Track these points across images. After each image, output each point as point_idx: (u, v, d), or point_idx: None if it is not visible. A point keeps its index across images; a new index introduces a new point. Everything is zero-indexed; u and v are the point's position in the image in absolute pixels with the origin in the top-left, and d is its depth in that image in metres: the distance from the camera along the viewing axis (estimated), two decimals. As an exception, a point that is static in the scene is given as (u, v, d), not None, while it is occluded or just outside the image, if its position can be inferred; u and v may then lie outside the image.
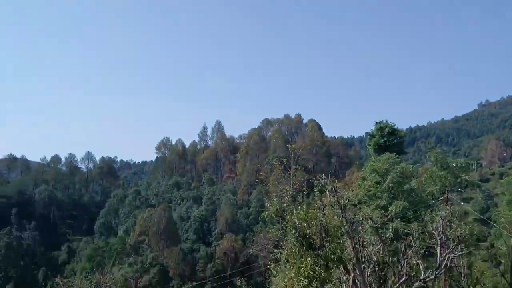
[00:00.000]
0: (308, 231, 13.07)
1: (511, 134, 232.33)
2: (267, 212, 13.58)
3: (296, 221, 13.03)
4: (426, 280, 15.12)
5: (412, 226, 18.75)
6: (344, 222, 13.53)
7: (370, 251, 14.09)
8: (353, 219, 13.98)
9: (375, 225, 13.10)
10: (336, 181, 14.34)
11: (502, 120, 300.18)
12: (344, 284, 15.03)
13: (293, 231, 12.99)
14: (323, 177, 14.32)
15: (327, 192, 13.98)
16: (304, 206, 13.54)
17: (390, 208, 36.44)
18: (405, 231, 28.80)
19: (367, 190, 38.74)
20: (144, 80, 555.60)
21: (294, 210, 14.00)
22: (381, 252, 13.51)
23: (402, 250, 14.41)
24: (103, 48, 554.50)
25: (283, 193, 14.04)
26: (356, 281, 14.05)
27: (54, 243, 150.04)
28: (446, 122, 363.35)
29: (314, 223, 13.18)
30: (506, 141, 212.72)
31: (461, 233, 16.44)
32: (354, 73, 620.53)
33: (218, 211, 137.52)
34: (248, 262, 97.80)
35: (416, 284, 15.38)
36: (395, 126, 47.27)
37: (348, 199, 13.67)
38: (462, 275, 40.43)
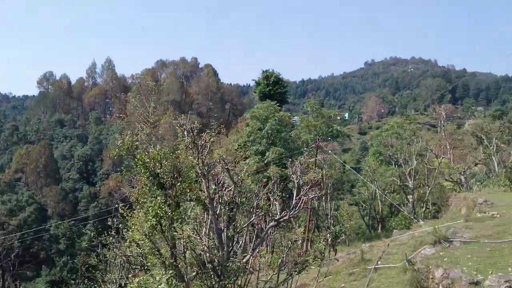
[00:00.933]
0: (159, 171, 12.83)
1: (389, 92, 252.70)
2: (117, 150, 13.02)
3: (147, 159, 12.69)
4: (280, 220, 15.83)
5: (272, 169, 19.53)
6: (200, 163, 13.50)
7: (224, 192, 14.35)
8: (209, 160, 14.04)
9: (226, 167, 13.25)
10: (196, 122, 14.15)
11: (383, 80, 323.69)
12: (204, 223, 15.32)
13: (143, 170, 12.67)
14: (182, 117, 14.04)
15: (185, 133, 13.78)
16: (157, 145, 13.25)
17: (267, 154, 37.96)
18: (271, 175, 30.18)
19: (247, 136, 39.67)
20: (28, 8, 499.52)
21: (150, 148, 13.59)
22: (232, 193, 13.82)
23: (255, 191, 14.89)
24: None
25: (138, 130, 13.52)
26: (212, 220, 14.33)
27: None
28: (335, 78, 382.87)
29: (167, 163, 12.96)
30: (385, 99, 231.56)
31: (314, 178, 17.31)
32: (257, 23, 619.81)
33: (104, 151, 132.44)
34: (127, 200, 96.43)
35: (271, 223, 16.13)
36: (280, 76, 48.48)
37: (205, 141, 13.57)
38: (328, 216, 44.03)
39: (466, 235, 22.11)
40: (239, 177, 13.75)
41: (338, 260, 28.54)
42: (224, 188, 14.41)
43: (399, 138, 50.01)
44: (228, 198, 13.77)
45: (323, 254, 23.61)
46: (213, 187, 14.48)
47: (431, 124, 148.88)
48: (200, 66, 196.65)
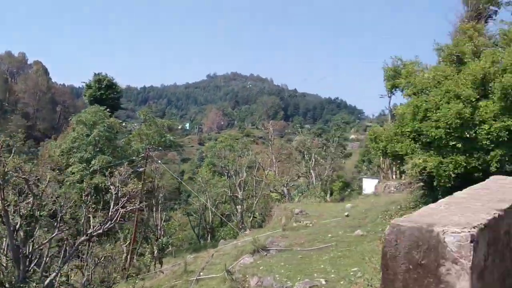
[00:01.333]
0: None
1: (229, 106, 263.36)
2: None
3: None
4: (93, 234, 14.78)
5: (87, 181, 18.24)
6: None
7: (22, 204, 12.79)
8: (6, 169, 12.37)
9: (22, 177, 11.79)
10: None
11: (224, 93, 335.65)
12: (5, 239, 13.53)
13: None
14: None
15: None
16: None
17: (93, 162, 35.60)
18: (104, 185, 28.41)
19: (72, 141, 36.76)
20: None
21: None
22: (31, 205, 12.35)
23: (61, 203, 13.63)
24: None
25: None
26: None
27: None
28: (178, 87, 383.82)
29: None
30: (225, 111, 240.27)
31: (132, 190, 16.64)
32: (96, 23, 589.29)
33: None
34: None
35: (82, 238, 14.94)
36: (114, 80, 46.37)
37: (1, 147, 11.90)
38: (158, 227, 43.14)
39: (282, 243, 23.68)
40: (39, 188, 12.37)
41: (163, 273, 28.01)
42: (23, 200, 12.88)
43: (232, 150, 51.83)
44: (26, 211, 12.27)
45: (148, 267, 22.77)
46: (14, 198, 12.85)
47: (265, 138, 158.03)
48: (29, 62, 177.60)
